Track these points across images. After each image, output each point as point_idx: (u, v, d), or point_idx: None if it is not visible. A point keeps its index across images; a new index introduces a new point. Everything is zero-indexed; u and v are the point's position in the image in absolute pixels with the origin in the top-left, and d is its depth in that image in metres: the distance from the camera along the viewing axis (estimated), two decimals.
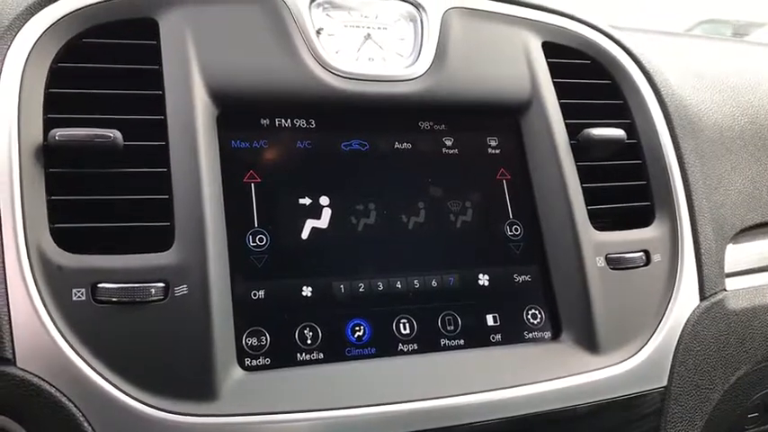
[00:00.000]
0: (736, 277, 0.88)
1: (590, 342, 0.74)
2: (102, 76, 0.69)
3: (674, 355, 0.77)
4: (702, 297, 0.81)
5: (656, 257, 0.80)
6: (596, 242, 0.77)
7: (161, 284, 0.62)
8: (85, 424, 0.58)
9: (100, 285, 0.61)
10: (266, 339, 0.66)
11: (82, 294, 0.60)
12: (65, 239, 0.62)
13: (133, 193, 0.65)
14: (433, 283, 0.73)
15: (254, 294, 0.67)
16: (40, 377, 0.58)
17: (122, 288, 0.61)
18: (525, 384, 0.70)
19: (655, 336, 0.77)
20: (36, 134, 0.64)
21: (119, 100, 0.68)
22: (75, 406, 0.58)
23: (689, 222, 0.83)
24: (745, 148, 0.98)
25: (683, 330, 0.78)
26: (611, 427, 0.74)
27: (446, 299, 0.73)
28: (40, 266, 0.60)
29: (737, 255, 0.90)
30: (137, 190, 0.65)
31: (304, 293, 0.69)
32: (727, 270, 0.87)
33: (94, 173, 0.65)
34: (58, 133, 0.63)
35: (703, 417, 0.81)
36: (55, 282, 0.60)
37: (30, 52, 0.66)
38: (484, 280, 0.75)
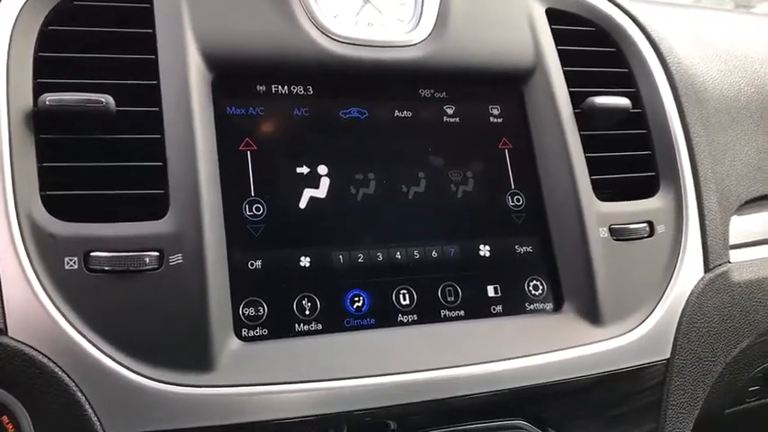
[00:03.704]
0: (741, 249, 0.87)
1: (592, 314, 0.73)
2: (93, 39, 0.67)
3: (677, 328, 0.76)
4: (706, 269, 0.80)
5: (660, 228, 0.79)
6: (599, 212, 0.76)
7: (155, 253, 0.60)
8: (79, 394, 0.57)
9: (93, 254, 0.59)
10: (263, 310, 0.65)
11: (74, 263, 0.59)
12: (56, 207, 0.61)
13: (126, 160, 0.64)
14: (434, 253, 0.72)
15: (251, 264, 0.66)
16: (32, 347, 0.57)
17: (116, 257, 0.59)
18: (526, 356, 0.69)
19: (658, 308, 0.76)
20: (26, 99, 0.63)
21: (111, 64, 0.66)
22: (69, 377, 0.57)
23: (694, 193, 0.82)
24: (750, 119, 0.96)
25: (686, 302, 0.77)
26: (612, 399, 0.73)
27: (446, 269, 0.72)
28: (31, 234, 0.59)
29: (742, 226, 0.88)
30: (130, 157, 0.64)
31: (302, 263, 0.68)
32: (731, 242, 0.86)
33: (86, 139, 0.64)
34: (49, 98, 0.62)
35: (705, 389, 0.80)
36: (46, 250, 0.59)
37: (18, 15, 0.64)
38: (485, 251, 0.74)
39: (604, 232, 0.75)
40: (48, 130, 0.63)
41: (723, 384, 0.88)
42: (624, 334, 0.73)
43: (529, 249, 0.76)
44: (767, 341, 0.90)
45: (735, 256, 0.85)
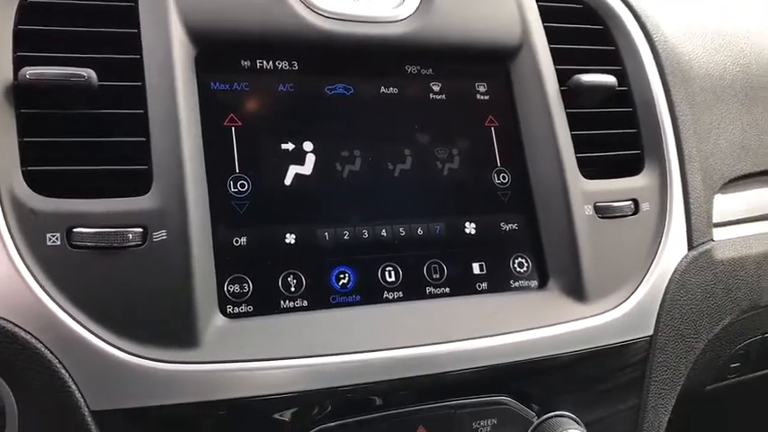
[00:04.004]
0: (724, 227, 0.87)
1: (577, 291, 0.73)
2: (74, 13, 0.66)
3: (660, 305, 0.77)
4: (690, 246, 0.81)
5: (644, 206, 0.79)
6: (585, 190, 0.76)
7: (139, 229, 0.60)
8: (62, 370, 0.56)
9: (75, 230, 0.59)
10: (248, 287, 0.65)
11: (56, 239, 0.58)
12: (38, 183, 0.60)
13: (109, 136, 0.63)
14: (419, 231, 0.72)
15: (236, 241, 0.65)
16: (14, 324, 0.56)
17: (98, 233, 0.59)
18: (510, 333, 0.69)
19: (642, 285, 0.76)
20: (5, 73, 0.62)
21: (93, 38, 0.65)
22: (52, 353, 0.56)
23: (678, 172, 0.82)
24: (735, 98, 0.96)
25: (670, 279, 0.78)
26: (595, 375, 0.74)
27: (432, 247, 0.72)
28: (12, 210, 0.58)
29: (725, 205, 0.89)
30: (112, 132, 0.63)
31: (287, 240, 0.67)
32: (714, 220, 0.86)
33: (68, 114, 0.63)
34: (29, 72, 0.61)
35: (687, 365, 0.81)
36: (28, 226, 0.58)
37: None
38: (470, 228, 0.74)
39: (589, 210, 0.76)
40: (28, 105, 0.62)
41: (705, 361, 0.89)
42: (608, 311, 0.74)
43: (514, 227, 0.76)
44: (749, 318, 0.91)
45: (718, 234, 0.86)
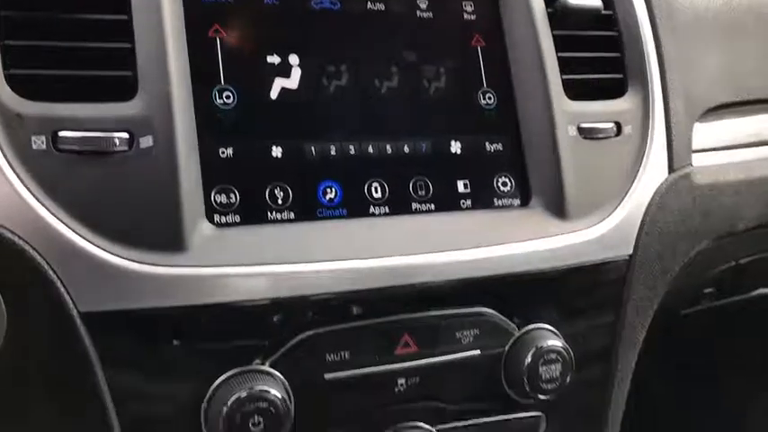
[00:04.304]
0: (702, 154, 0.89)
1: (559, 209, 0.75)
2: None
3: (640, 225, 0.78)
4: (670, 170, 0.82)
5: (626, 129, 0.80)
6: (569, 111, 0.77)
7: (125, 135, 0.60)
8: (50, 272, 0.56)
9: (61, 134, 0.58)
10: (235, 197, 0.65)
11: (42, 143, 0.58)
12: (22, 87, 0.59)
13: (93, 41, 0.62)
14: (405, 148, 0.72)
15: (222, 152, 0.65)
16: (1, 225, 0.56)
17: (85, 137, 0.59)
18: (493, 246, 0.70)
19: (623, 205, 0.78)
20: None
21: None
22: (40, 254, 0.56)
23: (660, 96, 0.83)
24: (718, 31, 0.97)
25: (650, 201, 0.79)
26: (576, 291, 0.76)
27: (418, 164, 0.73)
28: None
29: (704, 133, 0.90)
30: (97, 37, 0.62)
31: (274, 154, 0.67)
32: (694, 147, 0.88)
33: (52, 18, 0.61)
34: None
35: (664, 286, 0.83)
36: (13, 130, 0.58)
37: None
38: (456, 147, 0.75)
39: (573, 131, 0.77)
40: (10, 8, 0.60)
41: (680, 285, 0.91)
42: (589, 228, 0.75)
43: (499, 147, 0.76)
44: (723, 246, 0.93)
45: (697, 160, 0.87)
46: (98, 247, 0.58)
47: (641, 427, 1.02)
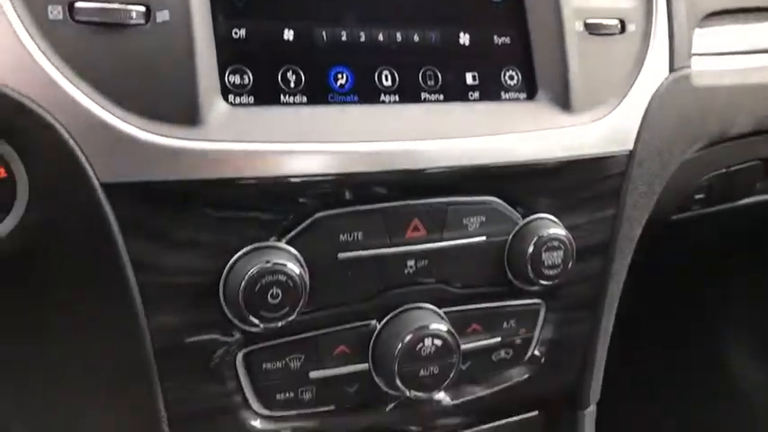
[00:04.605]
0: (701, 58, 0.90)
1: (564, 102, 0.76)
2: None
3: (641, 122, 0.80)
4: (671, 69, 0.84)
5: (630, 27, 0.81)
6: (576, 7, 0.77)
7: (141, 8, 0.59)
8: (71, 141, 0.57)
9: (77, 4, 0.58)
10: (249, 78, 0.65)
11: (59, 12, 0.57)
12: None
13: None
14: (415, 37, 0.73)
15: (235, 33, 0.65)
16: (20, 93, 0.56)
17: (101, 8, 0.58)
18: (500, 135, 0.72)
19: (625, 101, 0.79)
20: None
21: None
22: (60, 123, 0.56)
23: None
24: None
25: (651, 98, 0.81)
26: (579, 184, 0.78)
27: (428, 54, 0.73)
28: None
29: (704, 38, 0.92)
30: None
31: (285, 37, 0.67)
32: (693, 51, 0.89)
33: None
34: None
35: (661, 183, 0.85)
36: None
37: None
38: (465, 39, 0.75)
39: (580, 26, 0.77)
40: None
41: (673, 189, 0.94)
42: (593, 122, 0.77)
43: (506, 40, 0.77)
44: (715, 151, 0.96)
45: (696, 64, 0.89)
46: (118, 118, 0.58)
47: (632, 319, 1.06)
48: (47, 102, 0.56)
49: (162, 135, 0.59)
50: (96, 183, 0.58)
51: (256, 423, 0.69)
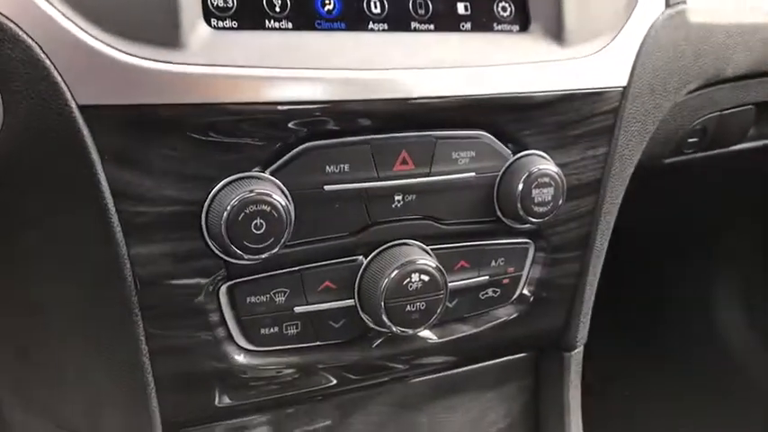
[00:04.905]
0: None
1: (557, 35, 0.74)
2: None
3: (636, 57, 0.78)
4: (667, 5, 0.82)
5: None
6: None
7: None
8: (47, 61, 0.54)
9: None
10: (232, 2, 0.63)
11: None
12: None
13: None
14: None
15: None
16: None
17: None
18: (491, 66, 0.70)
19: (620, 35, 0.77)
20: None
21: None
22: (36, 42, 0.54)
23: None
24: None
25: (646, 34, 0.79)
26: (570, 119, 0.76)
27: None
28: None
29: None
30: None
31: None
32: None
33: None
34: None
35: (654, 122, 0.84)
36: None
37: None
38: None
39: None
40: None
41: (666, 132, 0.93)
42: (586, 56, 0.75)
43: None
44: (710, 93, 0.94)
45: (691, 1, 0.86)
46: (97, 39, 0.56)
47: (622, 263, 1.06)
48: (21, 19, 0.54)
49: (141, 57, 0.57)
50: (74, 104, 0.56)
51: (240, 357, 0.69)
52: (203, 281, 0.64)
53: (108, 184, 0.58)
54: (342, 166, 0.66)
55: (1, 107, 0.55)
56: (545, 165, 0.73)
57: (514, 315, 0.82)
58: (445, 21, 0.71)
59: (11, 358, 0.80)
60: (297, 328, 0.70)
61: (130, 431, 0.68)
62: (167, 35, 0.58)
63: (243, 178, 0.62)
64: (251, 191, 0.60)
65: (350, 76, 0.64)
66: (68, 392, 0.72)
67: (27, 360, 0.77)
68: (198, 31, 0.60)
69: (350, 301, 0.71)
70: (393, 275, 0.69)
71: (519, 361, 0.92)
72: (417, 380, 0.86)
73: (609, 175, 0.81)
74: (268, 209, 0.61)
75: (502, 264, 0.78)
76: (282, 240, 0.62)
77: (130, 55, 0.56)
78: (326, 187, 0.66)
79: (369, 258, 0.71)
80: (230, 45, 0.61)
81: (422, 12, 0.70)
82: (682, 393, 1.56)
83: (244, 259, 0.62)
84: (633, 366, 1.58)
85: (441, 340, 0.79)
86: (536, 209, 0.74)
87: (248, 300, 0.67)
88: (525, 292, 0.82)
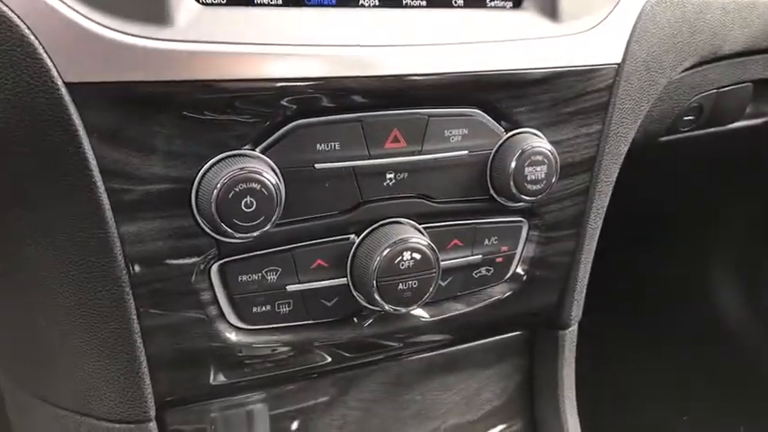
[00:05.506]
0: None
1: (551, 11, 0.73)
2: None
3: (631, 33, 0.78)
4: None
5: None
6: None
7: None
8: (31, 37, 0.53)
9: None
10: None
11: None
12: None
13: None
14: None
15: None
16: None
17: None
18: (484, 42, 0.69)
19: (615, 12, 0.77)
20: None
21: None
22: (20, 18, 0.53)
23: None
24: None
25: (641, 10, 0.78)
26: (565, 96, 0.75)
27: None
28: None
29: None
30: None
31: None
32: None
33: None
34: None
35: (649, 100, 0.83)
36: None
37: None
38: None
39: None
40: None
41: (662, 110, 0.92)
42: (580, 33, 0.74)
43: None
44: (706, 71, 0.93)
45: None
46: (83, 15, 0.55)
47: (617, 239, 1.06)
48: None
49: (128, 34, 0.56)
50: (60, 81, 0.55)
51: (231, 335, 0.69)
52: (194, 259, 0.64)
53: (96, 162, 0.58)
54: (332, 143, 0.66)
55: None
56: (538, 142, 0.73)
57: (508, 294, 0.82)
58: None
59: (4, 338, 0.80)
60: (289, 307, 0.70)
61: (124, 409, 0.68)
62: (155, 11, 0.57)
63: (233, 156, 0.62)
64: (241, 168, 0.60)
65: (340, 52, 0.63)
66: (62, 371, 0.72)
67: (20, 340, 0.77)
68: (186, 7, 0.59)
69: (342, 280, 0.71)
70: (385, 254, 0.69)
71: (513, 339, 0.92)
72: (412, 358, 0.86)
73: (603, 154, 0.80)
74: (258, 187, 0.60)
75: (495, 242, 0.78)
76: (273, 219, 0.62)
77: (117, 31, 0.56)
78: (317, 165, 0.65)
79: (361, 237, 0.70)
80: (219, 21, 0.60)
81: None
82: (676, 372, 1.56)
83: (234, 238, 0.62)
84: (628, 345, 1.59)
85: (434, 319, 0.79)
86: (529, 187, 0.73)
87: (240, 278, 0.67)
88: (519, 270, 0.82)
